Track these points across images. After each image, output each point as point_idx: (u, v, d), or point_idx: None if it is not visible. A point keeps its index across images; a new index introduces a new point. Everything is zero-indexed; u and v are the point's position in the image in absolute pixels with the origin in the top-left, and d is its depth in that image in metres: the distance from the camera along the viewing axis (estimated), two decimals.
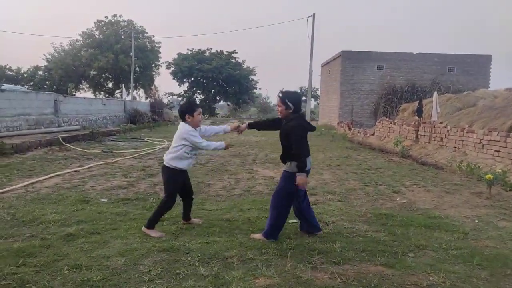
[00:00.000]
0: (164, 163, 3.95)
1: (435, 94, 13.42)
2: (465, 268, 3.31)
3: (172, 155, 3.90)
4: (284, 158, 3.94)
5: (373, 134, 17.12)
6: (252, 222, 4.39)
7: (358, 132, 18.74)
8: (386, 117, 19.13)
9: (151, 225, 3.91)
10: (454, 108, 14.22)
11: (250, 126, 4.39)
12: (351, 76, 25.10)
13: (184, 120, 3.93)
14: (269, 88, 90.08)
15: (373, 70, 25.14)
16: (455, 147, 10.62)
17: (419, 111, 13.72)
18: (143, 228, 3.91)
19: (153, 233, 3.86)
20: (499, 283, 3.05)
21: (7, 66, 40.00)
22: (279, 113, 3.88)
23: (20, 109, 13.01)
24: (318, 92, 45.32)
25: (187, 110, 3.91)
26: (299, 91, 38.84)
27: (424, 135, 12.59)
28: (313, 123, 26.28)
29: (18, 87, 21.49)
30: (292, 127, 3.74)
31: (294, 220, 4.50)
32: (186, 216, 4.24)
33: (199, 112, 3.95)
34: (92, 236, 3.79)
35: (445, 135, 11.23)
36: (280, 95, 3.79)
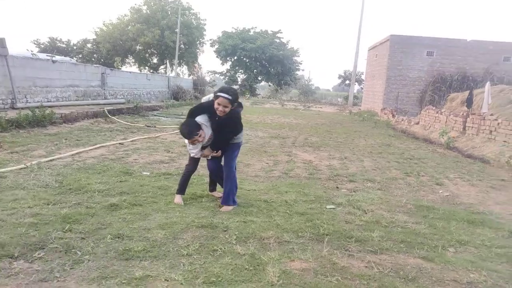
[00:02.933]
0: None
1: (487, 84, 12.58)
2: (509, 268, 3.15)
3: None
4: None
5: (417, 123, 16.43)
6: (290, 205, 4.37)
7: (402, 120, 18.07)
8: (433, 106, 18.27)
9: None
10: (507, 100, 13.27)
11: None
12: (399, 62, 24.05)
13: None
14: (312, 70, 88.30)
15: (423, 56, 23.91)
16: (504, 141, 9.98)
17: (469, 102, 12.95)
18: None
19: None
20: None
21: (58, 38, 41.82)
22: (222, 114, 3.88)
23: (69, 80, 13.57)
24: (363, 77, 43.98)
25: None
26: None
27: (472, 127, 11.92)
28: (355, 108, 25.58)
29: (68, 58, 22.42)
30: (234, 116, 4.05)
31: (332, 206, 4.45)
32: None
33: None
34: (134, 207, 3.93)
35: (495, 128, 10.57)
36: (230, 97, 3.83)
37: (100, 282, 2.44)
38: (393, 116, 19.72)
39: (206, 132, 3.99)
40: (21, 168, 5.05)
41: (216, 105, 3.82)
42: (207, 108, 4.00)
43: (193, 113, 4.07)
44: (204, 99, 4.26)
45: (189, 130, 3.90)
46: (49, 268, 2.57)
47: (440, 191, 5.66)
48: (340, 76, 53.81)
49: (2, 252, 2.71)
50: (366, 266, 2.97)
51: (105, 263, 2.71)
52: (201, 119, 3.99)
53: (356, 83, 44.71)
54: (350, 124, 16.75)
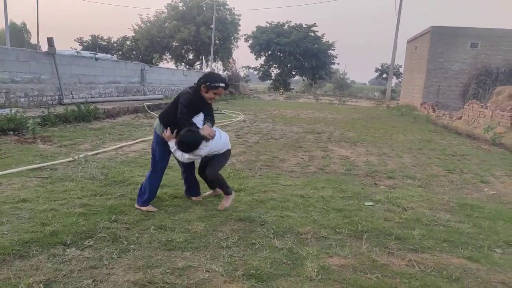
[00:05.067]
0: None
1: None
2: None
3: None
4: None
5: (460, 118, 15.75)
6: (327, 200, 4.36)
7: (444, 114, 17.38)
8: (477, 100, 17.44)
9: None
10: None
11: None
12: (440, 54, 23.10)
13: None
14: (347, 64, 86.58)
15: (466, 47, 22.82)
16: None
17: None
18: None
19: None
20: None
21: (99, 36, 43.46)
22: (214, 100, 3.91)
23: (111, 77, 14.11)
24: (401, 70, 42.63)
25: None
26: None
27: None
28: (393, 102, 24.85)
29: (109, 56, 23.27)
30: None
31: (370, 203, 4.39)
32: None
33: None
34: (175, 200, 4.07)
35: None
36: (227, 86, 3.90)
37: (145, 271, 2.56)
38: (434, 110, 19.02)
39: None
40: (69, 161, 5.35)
41: (212, 95, 3.75)
42: (197, 99, 3.75)
43: (187, 107, 3.70)
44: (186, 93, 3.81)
45: (197, 137, 3.59)
46: (99, 256, 2.73)
47: (486, 189, 5.43)
48: (377, 70, 52.36)
49: (56, 239, 2.90)
50: (407, 265, 2.92)
51: (149, 252, 2.83)
52: (200, 117, 3.78)
53: (394, 76, 43.40)
54: (388, 119, 16.33)
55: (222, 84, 3.76)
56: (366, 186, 5.19)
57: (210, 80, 3.73)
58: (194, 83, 3.85)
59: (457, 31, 22.96)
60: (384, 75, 49.34)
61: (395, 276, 2.72)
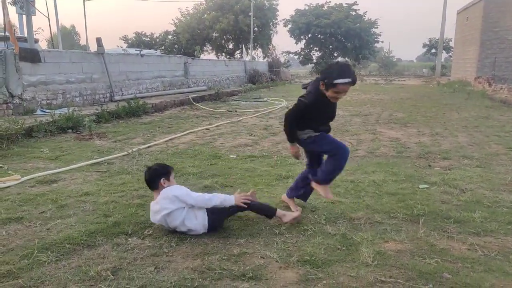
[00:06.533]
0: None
1: None
2: None
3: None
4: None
5: None
6: (379, 185, 4.25)
7: (501, 88, 16.21)
8: None
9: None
10: None
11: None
12: (495, 23, 21.47)
13: (157, 187, 3.08)
14: (392, 41, 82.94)
15: None
16: None
17: None
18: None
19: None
20: None
21: (143, 33, 44.79)
22: (337, 100, 3.08)
23: (157, 71, 14.54)
24: (451, 44, 40.20)
25: (162, 173, 3.10)
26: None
27: None
28: (443, 79, 23.71)
29: (153, 51, 24.00)
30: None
31: (425, 185, 4.23)
32: None
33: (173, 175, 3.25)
34: (226, 188, 4.15)
35: None
36: (354, 82, 2.95)
37: (203, 258, 2.65)
38: (490, 85, 17.79)
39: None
40: (124, 155, 5.62)
41: (333, 94, 2.96)
42: (319, 100, 3.07)
43: (296, 118, 3.18)
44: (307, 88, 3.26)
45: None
46: (158, 244, 2.86)
47: None
48: (424, 45, 49.73)
49: (119, 229, 3.08)
50: (468, 249, 2.79)
51: (206, 240, 2.92)
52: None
53: (444, 51, 41.01)
54: (439, 97, 15.53)
55: (343, 81, 2.85)
56: (420, 168, 5.00)
57: (328, 75, 2.91)
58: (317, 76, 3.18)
59: None
60: (433, 51, 46.80)
61: (456, 261, 2.62)
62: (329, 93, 2.97)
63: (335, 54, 45.47)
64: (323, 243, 2.86)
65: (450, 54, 40.94)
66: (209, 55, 43.21)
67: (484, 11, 21.58)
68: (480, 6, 22.16)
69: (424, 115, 10.16)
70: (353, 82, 2.91)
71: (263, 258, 2.66)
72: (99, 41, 11.38)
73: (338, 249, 2.79)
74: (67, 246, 2.79)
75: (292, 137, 3.30)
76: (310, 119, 3.15)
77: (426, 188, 4.16)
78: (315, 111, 3.10)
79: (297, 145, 3.36)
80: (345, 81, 2.87)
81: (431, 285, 2.33)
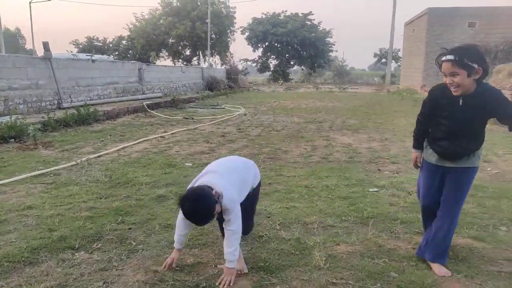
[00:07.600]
0: None
1: None
2: None
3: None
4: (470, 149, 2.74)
5: None
6: (331, 189, 4.36)
7: None
8: None
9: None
10: None
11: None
12: (439, 35, 22.93)
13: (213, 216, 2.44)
14: (346, 50, 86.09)
15: (464, 27, 22.67)
16: None
17: None
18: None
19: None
20: None
21: (95, 37, 43.37)
22: (455, 89, 2.41)
23: (109, 78, 14.08)
24: (400, 54, 42.35)
25: (211, 203, 2.36)
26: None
27: None
28: (393, 87, 24.64)
29: (105, 56, 23.20)
30: (494, 91, 2.48)
31: (375, 189, 4.39)
32: None
33: None
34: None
35: None
36: (455, 58, 2.30)
37: (155, 270, 2.58)
38: None
39: None
40: (72, 165, 5.36)
41: (444, 79, 2.43)
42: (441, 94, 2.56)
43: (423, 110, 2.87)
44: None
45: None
46: (108, 258, 2.74)
47: (488, 169, 5.42)
48: (375, 55, 52.04)
49: (65, 244, 2.92)
50: (413, 248, 2.93)
51: (158, 252, 2.85)
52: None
53: (393, 61, 43.14)
54: (389, 104, 16.26)
55: (443, 58, 2.35)
56: (370, 173, 5.19)
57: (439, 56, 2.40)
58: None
59: (454, 11, 22.80)
60: (383, 60, 49.05)
61: (402, 260, 2.74)
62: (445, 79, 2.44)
63: (292, 62, 46.42)
64: (277, 249, 2.89)
65: (399, 63, 43.17)
66: (165, 61, 42.56)
67: (428, 24, 23.00)
68: (424, 19, 23.60)
69: (374, 121, 10.59)
70: (455, 59, 2.31)
71: (217, 267, 2.63)
72: (46, 45, 10.85)
73: (292, 253, 2.82)
74: (6, 265, 2.60)
75: None
76: None
77: (376, 191, 4.32)
78: None
79: None
80: (444, 58, 2.38)
81: (379, 285, 2.41)
